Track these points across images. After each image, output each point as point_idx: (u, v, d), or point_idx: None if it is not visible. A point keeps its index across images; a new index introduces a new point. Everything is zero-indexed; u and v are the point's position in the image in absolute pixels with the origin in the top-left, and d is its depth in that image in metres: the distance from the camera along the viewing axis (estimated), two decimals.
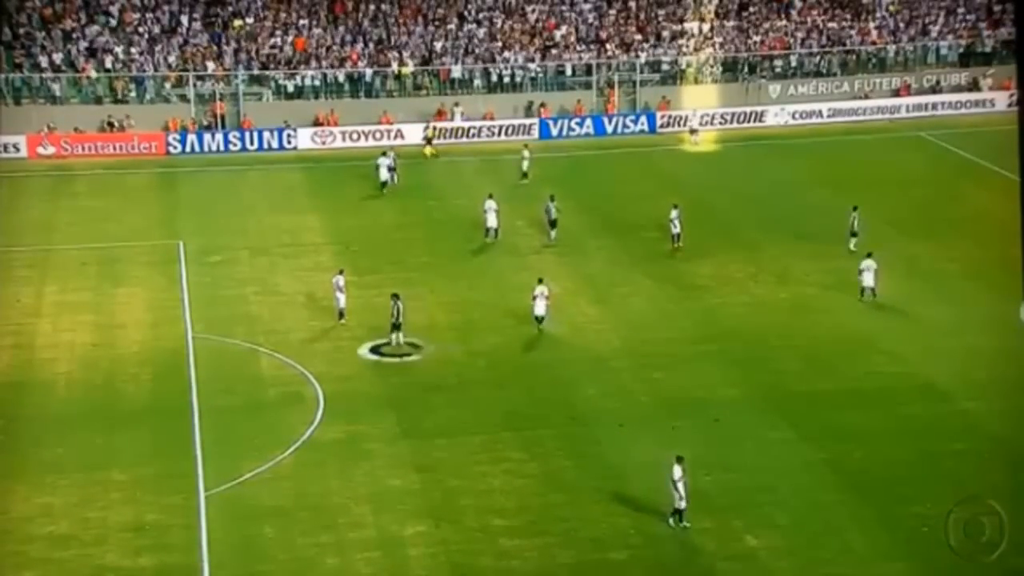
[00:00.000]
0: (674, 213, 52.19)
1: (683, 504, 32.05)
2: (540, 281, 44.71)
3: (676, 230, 52.15)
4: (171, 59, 70.42)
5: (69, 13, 71.34)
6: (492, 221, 53.07)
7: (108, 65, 69.54)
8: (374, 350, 42.92)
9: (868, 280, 46.15)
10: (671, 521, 32.21)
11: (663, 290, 48.25)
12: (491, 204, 53.22)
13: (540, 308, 44.11)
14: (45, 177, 63.55)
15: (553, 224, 52.79)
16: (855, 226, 51.44)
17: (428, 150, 66.41)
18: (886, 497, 33.56)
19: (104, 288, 48.76)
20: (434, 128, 67.94)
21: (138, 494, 33.95)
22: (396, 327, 42.99)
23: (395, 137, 68.54)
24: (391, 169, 61.13)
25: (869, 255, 46.63)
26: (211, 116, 68.81)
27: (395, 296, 43.20)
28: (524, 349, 43.22)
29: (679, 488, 31.94)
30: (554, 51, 74.53)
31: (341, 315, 45.04)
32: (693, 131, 69.94)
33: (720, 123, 72.27)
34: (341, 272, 45.61)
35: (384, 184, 60.38)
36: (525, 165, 62.26)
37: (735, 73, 75.25)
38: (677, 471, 32.04)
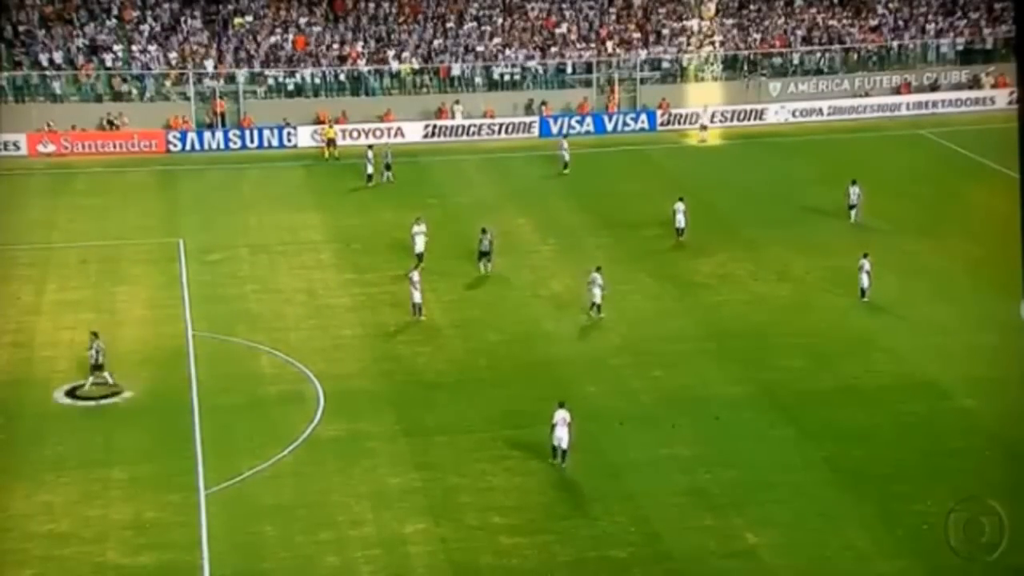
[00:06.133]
0: (680, 206, 52.48)
1: (562, 444, 34.55)
2: (597, 269, 45.26)
3: (681, 224, 52.40)
4: (171, 57, 70.43)
5: (69, 11, 71.37)
6: (420, 246, 49.65)
7: (108, 63, 69.57)
8: (70, 393, 39.46)
9: (862, 280, 46.20)
10: (556, 464, 34.67)
11: (663, 288, 48.27)
12: (419, 228, 50.09)
13: (596, 296, 44.73)
14: (45, 175, 63.59)
15: (483, 255, 49.25)
16: (852, 199, 54.39)
17: (328, 151, 65.98)
18: (886, 495, 33.56)
19: (104, 286, 48.78)
20: (337, 129, 66.82)
21: (138, 492, 33.93)
22: (97, 367, 39.33)
23: (395, 135, 68.60)
24: (388, 167, 61.67)
25: (865, 255, 46.62)
26: (211, 114, 68.84)
27: (94, 334, 39.85)
28: (524, 347, 43.21)
29: (556, 431, 34.39)
30: (554, 49, 74.54)
31: (418, 311, 44.92)
32: (704, 127, 70.06)
33: (720, 121, 72.28)
34: (416, 268, 45.50)
35: (370, 177, 61.20)
36: (566, 156, 62.91)
37: (735, 71, 75.26)
38: (560, 414, 34.46)
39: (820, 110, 74.02)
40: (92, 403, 39.13)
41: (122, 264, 51.04)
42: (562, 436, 34.72)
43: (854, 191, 54.88)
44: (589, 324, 44.90)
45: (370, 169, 61.36)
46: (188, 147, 67.42)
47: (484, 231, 49.55)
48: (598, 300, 44.99)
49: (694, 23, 76.91)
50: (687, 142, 70.43)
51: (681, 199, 53.01)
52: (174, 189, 61.92)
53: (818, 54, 76.71)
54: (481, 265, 49.36)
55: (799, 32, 77.62)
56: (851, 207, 54.86)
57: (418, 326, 44.73)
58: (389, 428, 37.54)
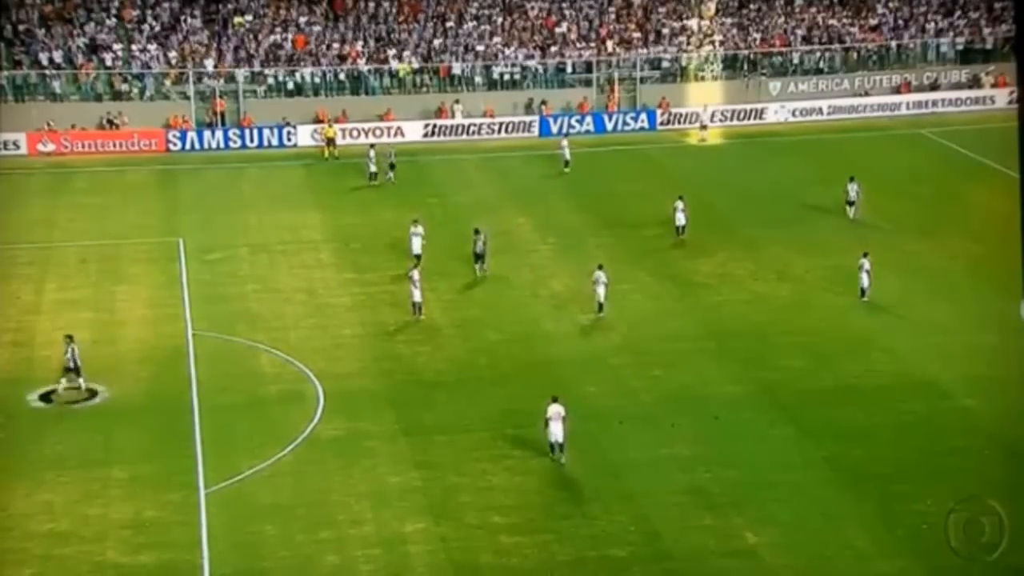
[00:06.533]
0: (679, 204, 52.66)
1: (558, 439, 34.84)
2: (599, 267, 45.34)
3: (681, 222, 52.57)
4: (171, 56, 70.43)
5: (69, 10, 71.37)
6: (416, 247, 49.28)
7: (108, 62, 69.57)
8: (43, 397, 39.07)
9: (862, 280, 46.21)
10: (555, 458, 35.03)
11: (663, 287, 48.27)
12: (416, 230, 49.63)
13: (601, 294, 44.85)
14: (45, 174, 63.60)
15: (478, 257, 48.84)
16: (851, 195, 54.99)
17: (328, 151, 66.01)
18: (886, 494, 33.53)
19: (104, 285, 48.79)
20: (336, 129, 66.78)
21: (138, 491, 33.92)
22: (72, 370, 38.99)
23: (395, 134, 68.60)
24: (392, 166, 61.63)
25: (865, 254, 46.63)
26: (211, 113, 68.85)
27: (68, 337, 39.47)
28: (524, 347, 43.20)
29: (551, 426, 34.66)
30: (554, 48, 74.54)
31: (418, 310, 44.90)
32: (704, 126, 70.12)
33: (720, 120, 72.31)
34: (416, 267, 45.58)
35: (373, 175, 61.24)
36: (567, 154, 63.01)
37: (735, 70, 75.26)
38: (554, 409, 34.80)
39: (820, 109, 74.04)
40: (75, 405, 38.87)
41: (122, 263, 51.05)
42: (557, 431, 34.91)
43: (852, 187, 55.25)
44: (591, 323, 44.90)
45: (373, 168, 61.31)
46: (188, 146, 67.42)
47: (477, 232, 49.18)
48: (602, 298, 45.03)
49: (694, 22, 76.92)
50: (687, 141, 70.44)
51: (681, 197, 53.14)
52: (174, 188, 61.92)
53: (818, 53, 76.73)
54: (476, 267, 49.11)
55: (799, 31, 77.63)
56: (850, 203, 55.25)
57: (418, 325, 44.73)
58: (389, 427, 37.53)
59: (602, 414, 38.00)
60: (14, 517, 32.84)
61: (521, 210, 57.18)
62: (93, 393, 39.50)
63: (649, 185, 60.94)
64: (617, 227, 54.83)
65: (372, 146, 62.94)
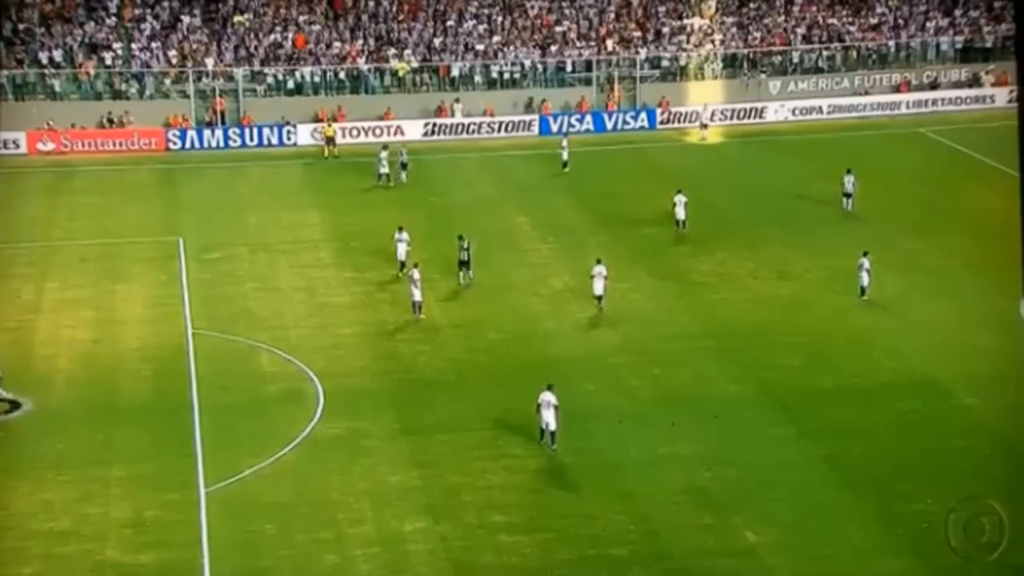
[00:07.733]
0: (680, 198, 52.86)
1: (550, 426, 35.33)
2: (598, 261, 45.52)
3: (681, 216, 52.68)
4: (171, 55, 70.43)
5: (69, 9, 71.36)
6: (402, 254, 48.46)
7: (108, 61, 69.56)
8: None
9: (862, 279, 46.20)
10: (546, 446, 35.52)
11: (663, 286, 48.26)
12: (402, 236, 48.72)
13: (599, 287, 45.07)
14: (45, 173, 63.59)
15: (463, 264, 47.75)
16: (848, 187, 55.61)
17: (328, 150, 66.01)
18: (886, 493, 33.57)
19: (104, 284, 48.78)
20: (336, 128, 66.76)
21: (138, 490, 33.95)
22: None
23: (395, 133, 68.58)
24: (404, 166, 61.48)
25: (865, 253, 46.61)
26: (211, 112, 68.85)
27: None
28: (524, 346, 43.21)
29: (542, 413, 35.30)
30: (554, 47, 74.52)
31: (418, 309, 44.85)
32: (704, 125, 70.13)
33: (720, 119, 72.31)
34: (416, 266, 45.64)
35: (381, 176, 60.89)
36: (565, 155, 62.80)
37: (735, 69, 75.25)
38: (545, 396, 35.36)
39: (820, 108, 74.05)
40: None
41: (122, 262, 51.05)
42: (548, 419, 35.31)
43: (849, 180, 55.63)
44: (590, 321, 44.91)
45: (384, 168, 60.94)
46: (188, 145, 67.43)
47: (461, 238, 48.14)
48: (600, 291, 45.06)
49: (694, 21, 76.88)
50: (687, 140, 70.45)
51: (680, 191, 53.27)
52: (174, 187, 61.90)
53: (818, 52, 76.72)
54: (461, 275, 47.99)
55: (799, 30, 77.61)
56: (846, 195, 55.71)
57: (418, 325, 44.73)
58: (389, 426, 37.54)
59: (602, 413, 38.01)
60: (15, 516, 32.88)
61: (521, 209, 57.17)
62: (15, 405, 38.56)
63: (649, 184, 60.90)
64: (617, 226, 54.84)
65: (385, 147, 62.48)
